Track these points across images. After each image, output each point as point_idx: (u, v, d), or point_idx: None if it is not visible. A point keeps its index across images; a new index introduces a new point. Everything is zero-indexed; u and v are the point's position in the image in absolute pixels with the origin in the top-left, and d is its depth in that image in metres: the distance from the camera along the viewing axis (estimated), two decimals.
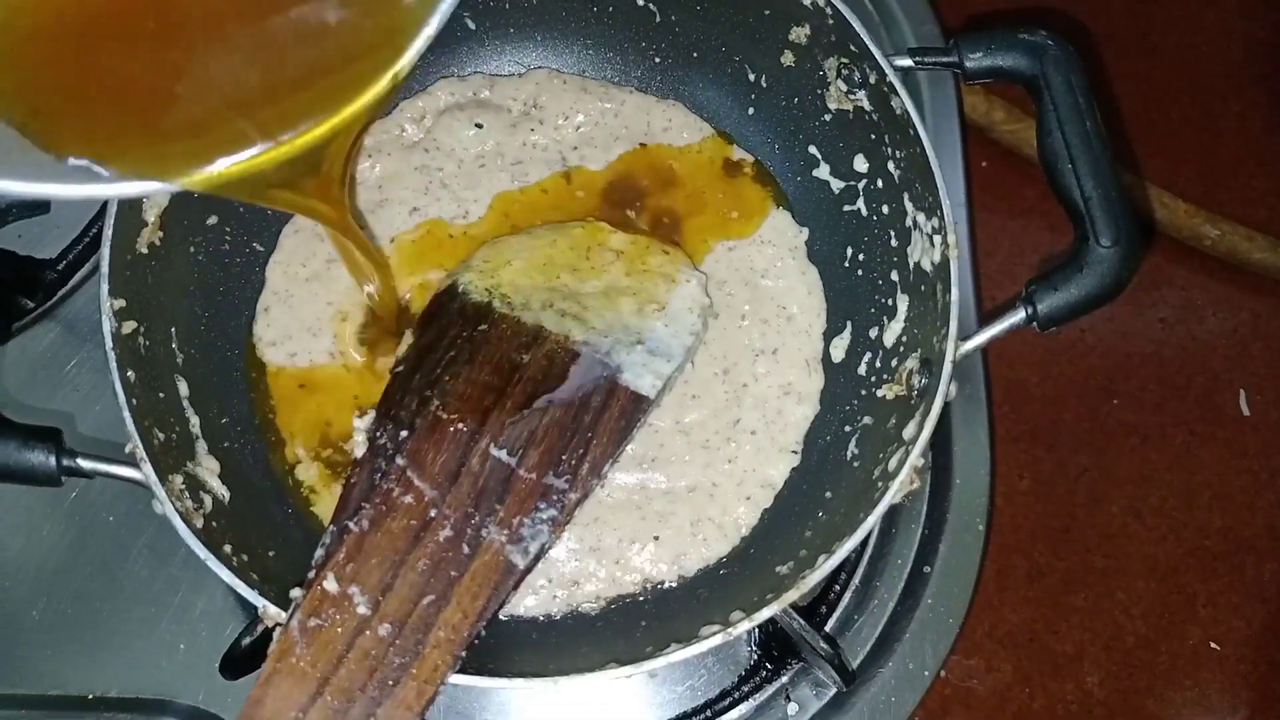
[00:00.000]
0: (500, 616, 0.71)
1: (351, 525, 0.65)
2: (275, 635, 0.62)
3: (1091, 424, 0.91)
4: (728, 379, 0.78)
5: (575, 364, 0.71)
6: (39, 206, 0.68)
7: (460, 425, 0.68)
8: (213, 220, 0.77)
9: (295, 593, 0.63)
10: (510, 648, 0.70)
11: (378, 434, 0.68)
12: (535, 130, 0.84)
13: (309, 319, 0.79)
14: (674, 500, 0.76)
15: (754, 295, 0.81)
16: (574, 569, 0.74)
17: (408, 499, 0.66)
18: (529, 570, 0.66)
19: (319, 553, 0.64)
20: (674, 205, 0.83)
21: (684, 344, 0.74)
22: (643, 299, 0.75)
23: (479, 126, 0.83)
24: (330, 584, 0.63)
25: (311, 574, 0.64)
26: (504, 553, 0.65)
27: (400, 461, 0.67)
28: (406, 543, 0.65)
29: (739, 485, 0.76)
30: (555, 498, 0.67)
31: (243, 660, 0.69)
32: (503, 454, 0.68)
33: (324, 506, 0.76)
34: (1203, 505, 0.90)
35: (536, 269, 0.76)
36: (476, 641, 0.63)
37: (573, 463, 0.68)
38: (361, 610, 0.62)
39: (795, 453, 0.77)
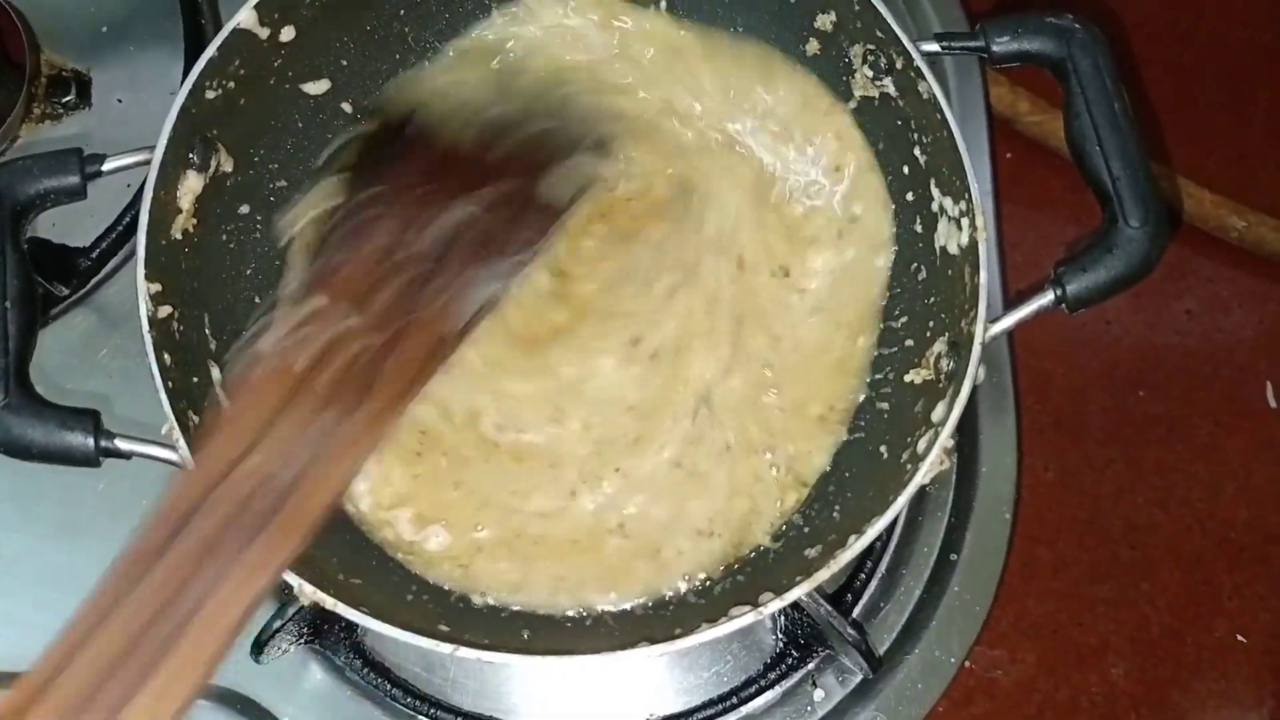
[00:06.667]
0: (540, 612, 0.73)
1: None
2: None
3: (1117, 415, 0.91)
4: None
5: None
6: (75, 193, 0.69)
7: None
8: (244, 209, 0.78)
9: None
10: (543, 629, 0.71)
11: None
12: None
13: None
14: None
15: None
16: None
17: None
18: None
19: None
20: None
21: None
22: None
23: None
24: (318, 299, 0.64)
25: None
26: None
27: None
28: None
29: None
30: None
31: (273, 642, 0.70)
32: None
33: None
34: (1229, 497, 0.90)
35: None
36: None
37: None
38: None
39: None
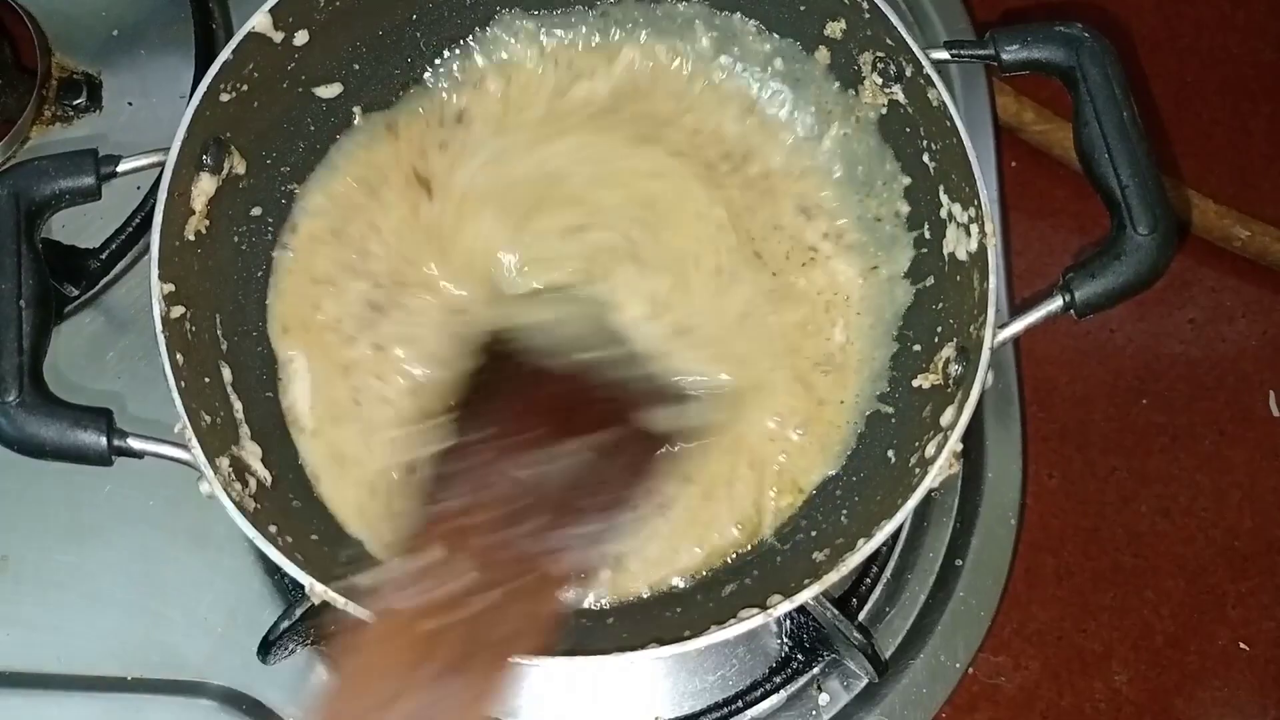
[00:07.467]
0: None
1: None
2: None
3: (1121, 424, 0.91)
4: None
5: None
6: (90, 194, 0.69)
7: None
8: (256, 211, 0.78)
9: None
10: None
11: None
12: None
13: None
14: None
15: None
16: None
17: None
18: None
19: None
20: None
21: None
22: None
23: None
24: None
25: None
26: None
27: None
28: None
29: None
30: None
31: (280, 644, 0.70)
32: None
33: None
34: (1232, 505, 0.90)
35: None
36: None
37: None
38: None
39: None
